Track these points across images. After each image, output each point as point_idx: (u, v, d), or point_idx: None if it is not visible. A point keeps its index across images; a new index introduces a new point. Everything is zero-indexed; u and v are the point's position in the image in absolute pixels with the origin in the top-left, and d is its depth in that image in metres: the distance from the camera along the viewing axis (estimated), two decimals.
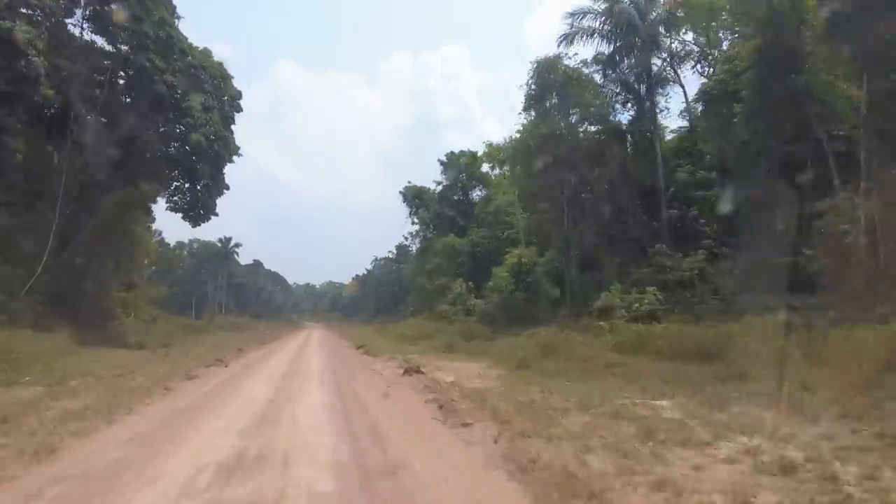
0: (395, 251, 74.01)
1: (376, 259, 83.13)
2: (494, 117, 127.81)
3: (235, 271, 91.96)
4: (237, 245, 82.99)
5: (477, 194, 44.57)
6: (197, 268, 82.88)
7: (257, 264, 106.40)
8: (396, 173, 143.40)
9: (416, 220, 50.62)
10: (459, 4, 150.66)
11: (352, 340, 32.36)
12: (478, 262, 35.73)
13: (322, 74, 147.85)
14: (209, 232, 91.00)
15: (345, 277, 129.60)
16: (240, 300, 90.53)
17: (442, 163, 45.49)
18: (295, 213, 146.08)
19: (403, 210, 49.54)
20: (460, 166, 44.16)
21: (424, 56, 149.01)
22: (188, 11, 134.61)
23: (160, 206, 25.56)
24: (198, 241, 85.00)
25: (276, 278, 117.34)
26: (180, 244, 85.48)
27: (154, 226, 44.28)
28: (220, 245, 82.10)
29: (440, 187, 46.16)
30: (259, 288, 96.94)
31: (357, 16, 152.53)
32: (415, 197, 48.78)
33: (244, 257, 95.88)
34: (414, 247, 66.80)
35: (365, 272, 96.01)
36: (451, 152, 45.15)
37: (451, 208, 42.99)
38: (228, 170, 26.04)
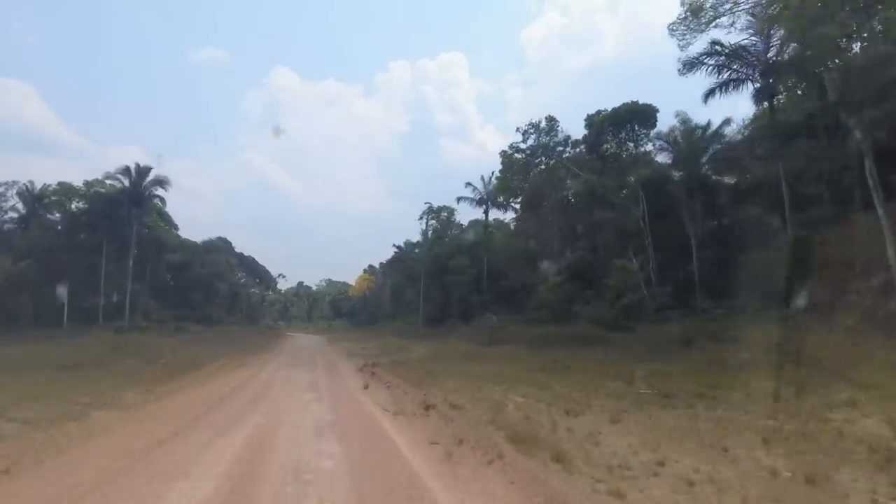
0: (482, 185, 34.15)
1: (428, 214, 43.06)
2: (493, 125, 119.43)
3: (167, 242, 52.29)
4: (160, 182, 43.29)
5: None
6: (85, 224, 43.42)
7: (222, 242, 66.99)
8: (394, 181, 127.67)
9: None
10: (458, 13, 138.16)
11: None
12: None
13: (320, 83, 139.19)
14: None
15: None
16: (175, 292, 50.80)
17: None
18: (292, 220, 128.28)
19: None
20: None
21: (422, 64, 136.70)
22: (184, 17, 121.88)
23: None
24: (102, 184, 45.67)
25: (252, 267, 77.51)
26: (63, 186, 46.18)
27: None
28: (126, 183, 42.41)
29: None
30: (213, 274, 56.89)
31: (355, 24, 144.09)
32: None
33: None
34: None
35: (396, 251, 56.37)
36: None
37: None
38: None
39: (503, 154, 31.56)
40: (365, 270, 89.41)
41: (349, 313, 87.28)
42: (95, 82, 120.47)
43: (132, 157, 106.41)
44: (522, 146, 30.59)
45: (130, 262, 41.79)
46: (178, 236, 56.25)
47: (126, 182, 42.41)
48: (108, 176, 41.94)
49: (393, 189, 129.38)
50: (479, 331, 26.44)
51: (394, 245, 58.56)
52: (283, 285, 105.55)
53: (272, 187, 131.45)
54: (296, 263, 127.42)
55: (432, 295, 40.58)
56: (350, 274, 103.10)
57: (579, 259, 24.90)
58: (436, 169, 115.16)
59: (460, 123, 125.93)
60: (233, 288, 62.41)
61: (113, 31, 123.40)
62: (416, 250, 58.10)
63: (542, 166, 29.41)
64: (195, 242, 58.74)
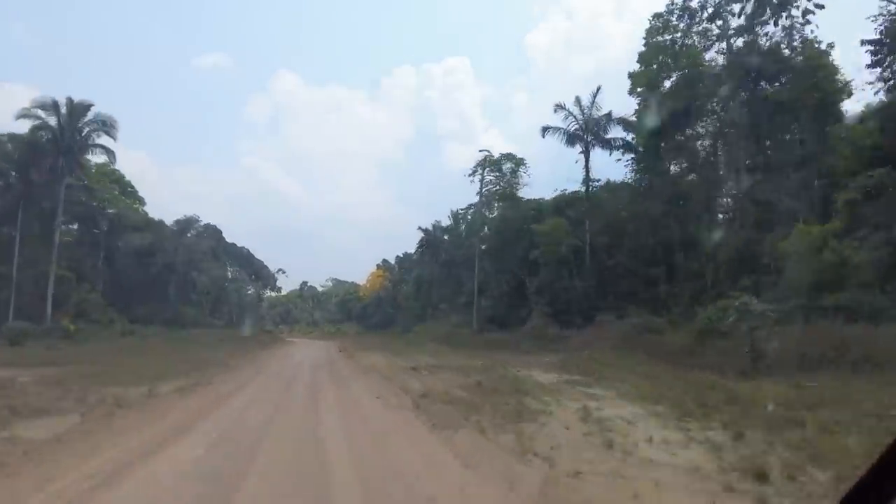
0: (579, 111, 21.27)
1: (483, 166, 29.85)
2: (498, 129, 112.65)
3: (128, 218, 39.77)
4: (104, 125, 30.64)
5: None
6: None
7: (208, 228, 54.13)
8: (397, 186, 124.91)
9: None
10: (462, 17, 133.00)
11: None
12: None
13: (323, 88, 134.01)
14: None
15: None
16: (137, 284, 38.10)
17: None
18: (295, 225, 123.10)
19: None
20: None
21: (426, 68, 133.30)
22: (188, 21, 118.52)
23: None
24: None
25: (247, 261, 64.75)
26: None
27: None
28: (53, 124, 29.73)
29: None
30: (190, 263, 44.12)
31: (359, 29, 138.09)
32: None
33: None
34: None
35: (425, 231, 43.69)
36: None
37: None
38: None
39: (654, 20, 18.16)
40: (378, 266, 76.81)
41: (360, 315, 75.10)
42: (99, 88, 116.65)
43: (138, 163, 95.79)
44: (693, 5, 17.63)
45: (56, 239, 29.10)
46: (145, 213, 43.74)
47: (53, 122, 29.71)
48: (24, 113, 29.13)
49: (397, 193, 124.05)
50: (640, 337, 13.36)
51: (420, 228, 45.79)
52: (285, 285, 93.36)
53: (276, 192, 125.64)
54: (299, 269, 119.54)
55: (490, 282, 27.65)
56: (355, 279, 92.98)
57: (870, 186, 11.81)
58: (440, 173, 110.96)
59: (465, 128, 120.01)
60: (217, 282, 49.56)
61: (116, 37, 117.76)
62: (445, 236, 45.26)
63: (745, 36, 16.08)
64: (168, 224, 46.22)
